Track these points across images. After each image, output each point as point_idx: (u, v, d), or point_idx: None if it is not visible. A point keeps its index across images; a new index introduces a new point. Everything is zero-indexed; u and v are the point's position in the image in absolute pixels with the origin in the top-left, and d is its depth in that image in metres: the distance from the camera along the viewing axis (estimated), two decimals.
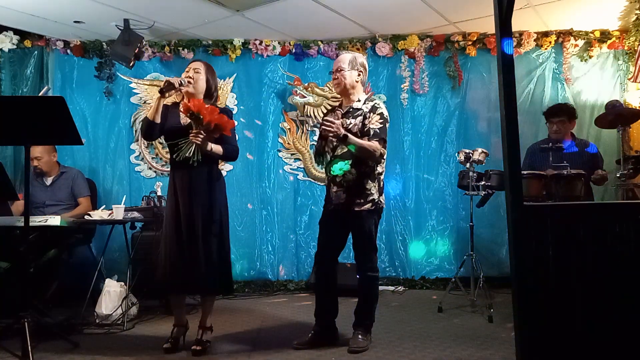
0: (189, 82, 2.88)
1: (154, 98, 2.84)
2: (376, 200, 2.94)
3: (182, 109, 2.80)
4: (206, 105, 2.74)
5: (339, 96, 4.63)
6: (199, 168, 2.83)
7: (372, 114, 2.92)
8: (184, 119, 2.87)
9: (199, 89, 2.92)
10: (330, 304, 3.05)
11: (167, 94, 2.83)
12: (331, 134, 2.79)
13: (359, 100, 2.99)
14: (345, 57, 3.00)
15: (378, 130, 2.87)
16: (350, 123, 2.92)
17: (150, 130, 2.87)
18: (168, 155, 4.30)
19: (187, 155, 2.76)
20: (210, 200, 2.87)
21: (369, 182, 2.92)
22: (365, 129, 2.89)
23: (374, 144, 2.84)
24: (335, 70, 2.99)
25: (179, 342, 2.96)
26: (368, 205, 2.91)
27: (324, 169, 3.13)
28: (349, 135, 2.80)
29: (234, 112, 4.76)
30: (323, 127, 2.79)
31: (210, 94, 2.97)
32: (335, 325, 3.07)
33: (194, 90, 2.91)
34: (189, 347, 2.90)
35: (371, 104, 2.97)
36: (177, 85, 2.82)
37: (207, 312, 2.99)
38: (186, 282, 2.83)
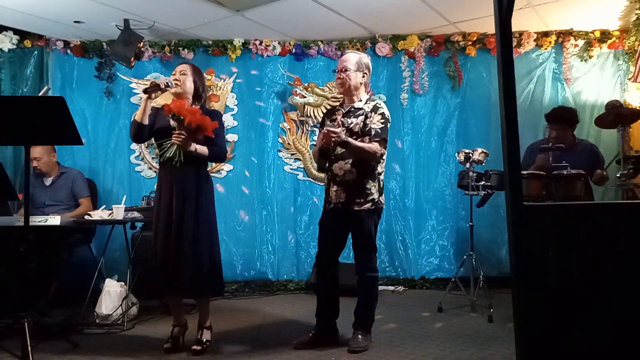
0: (176, 84, 2.89)
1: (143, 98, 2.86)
2: (376, 200, 2.94)
3: (165, 111, 2.81)
4: (188, 107, 2.76)
5: (339, 96, 4.67)
6: (186, 169, 2.84)
7: (373, 113, 2.92)
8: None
9: (187, 90, 2.94)
10: (332, 305, 3.05)
11: (153, 95, 2.85)
12: (333, 141, 2.78)
13: (360, 100, 3.00)
14: (352, 58, 2.98)
15: (379, 130, 2.87)
16: (352, 122, 2.92)
17: (138, 132, 2.89)
18: None
19: (169, 155, 2.79)
20: (197, 202, 2.86)
21: (369, 181, 2.92)
22: (367, 129, 2.89)
23: (374, 146, 2.85)
24: (340, 70, 2.96)
25: (178, 341, 2.96)
26: (368, 205, 2.91)
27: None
28: (349, 140, 2.79)
29: (234, 112, 4.77)
30: (326, 138, 2.76)
31: (199, 94, 2.98)
32: (336, 326, 3.07)
33: (182, 92, 2.92)
34: (188, 347, 2.90)
35: (372, 103, 2.97)
36: (162, 86, 2.84)
37: (203, 312, 3.00)
38: (175, 284, 2.83)
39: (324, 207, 3.09)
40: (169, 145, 2.80)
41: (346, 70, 2.94)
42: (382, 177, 3.01)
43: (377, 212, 2.98)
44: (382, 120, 2.90)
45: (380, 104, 2.96)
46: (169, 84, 2.87)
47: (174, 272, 2.79)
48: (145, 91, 2.82)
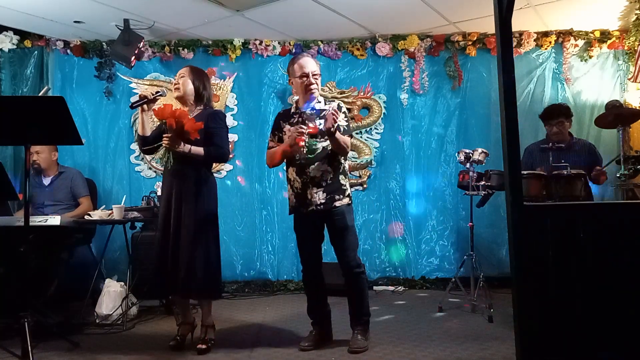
0: (176, 88, 3.00)
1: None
2: (350, 194, 3.02)
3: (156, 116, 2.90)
4: (171, 110, 2.78)
5: (339, 96, 4.67)
6: (186, 171, 2.89)
7: (339, 112, 2.95)
8: None
9: (188, 92, 3.00)
10: (322, 304, 3.09)
11: (146, 107, 2.92)
12: (329, 127, 2.75)
13: (319, 102, 2.98)
14: (314, 63, 3.01)
15: (347, 127, 2.97)
16: (321, 123, 2.91)
17: (142, 144, 2.99)
18: None
19: (159, 157, 2.90)
20: (197, 204, 2.88)
21: (343, 177, 3.00)
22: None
23: (347, 139, 2.94)
24: (314, 75, 2.97)
25: (185, 339, 3.00)
26: (347, 200, 2.98)
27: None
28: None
29: (234, 112, 4.77)
30: (329, 122, 2.72)
31: (200, 94, 3.02)
32: (330, 319, 3.11)
33: (182, 94, 3.00)
34: (193, 346, 2.92)
35: (334, 103, 2.96)
36: (150, 96, 2.91)
37: (206, 312, 3.01)
38: (174, 285, 2.85)
39: (296, 212, 3.03)
40: (159, 148, 2.89)
41: (318, 76, 3.00)
42: (348, 170, 3.12)
43: (351, 205, 3.06)
44: (346, 118, 3.00)
45: (341, 104, 3.04)
46: (161, 92, 2.97)
47: (172, 274, 2.83)
48: (131, 106, 2.90)
